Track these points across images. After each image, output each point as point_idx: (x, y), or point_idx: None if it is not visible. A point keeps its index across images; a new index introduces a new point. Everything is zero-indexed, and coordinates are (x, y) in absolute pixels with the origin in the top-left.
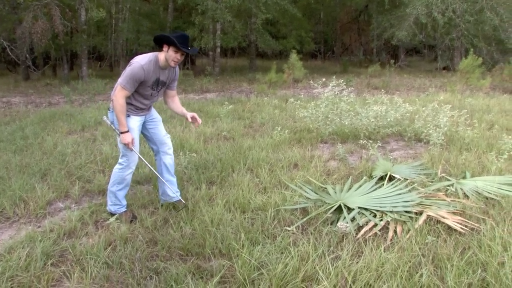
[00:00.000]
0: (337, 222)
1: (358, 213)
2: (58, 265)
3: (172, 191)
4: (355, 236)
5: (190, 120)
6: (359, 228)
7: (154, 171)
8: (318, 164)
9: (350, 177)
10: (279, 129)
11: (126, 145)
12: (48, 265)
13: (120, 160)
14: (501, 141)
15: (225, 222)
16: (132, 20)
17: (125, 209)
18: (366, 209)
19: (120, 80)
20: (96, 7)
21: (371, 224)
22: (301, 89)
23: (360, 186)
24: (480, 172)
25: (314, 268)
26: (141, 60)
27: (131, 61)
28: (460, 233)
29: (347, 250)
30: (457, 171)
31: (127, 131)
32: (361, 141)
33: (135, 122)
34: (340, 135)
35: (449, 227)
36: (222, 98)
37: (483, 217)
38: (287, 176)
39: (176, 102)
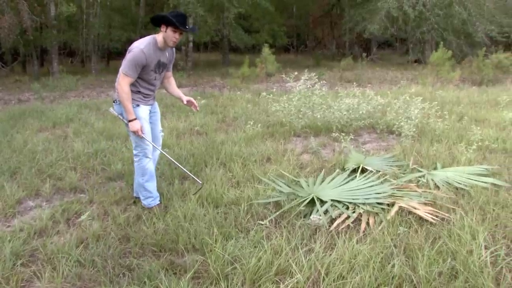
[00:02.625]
0: (310, 215)
1: (331, 205)
2: (28, 265)
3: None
4: (328, 229)
5: (185, 103)
6: (332, 220)
7: (172, 159)
8: (291, 158)
9: (323, 170)
10: (252, 123)
11: (135, 133)
12: (17, 266)
13: (134, 152)
14: (470, 132)
15: (198, 217)
16: (104, 15)
17: (159, 201)
18: (339, 201)
19: (121, 67)
20: (66, 1)
21: (344, 216)
22: (274, 83)
23: (333, 179)
24: (451, 163)
25: (288, 261)
26: (140, 45)
27: (130, 48)
28: (431, 223)
29: (320, 243)
30: (428, 162)
31: (135, 119)
32: (334, 134)
33: (144, 111)
34: (313, 129)
35: (421, 218)
36: (195, 93)
37: (453, 207)
38: (260, 170)
39: (172, 84)
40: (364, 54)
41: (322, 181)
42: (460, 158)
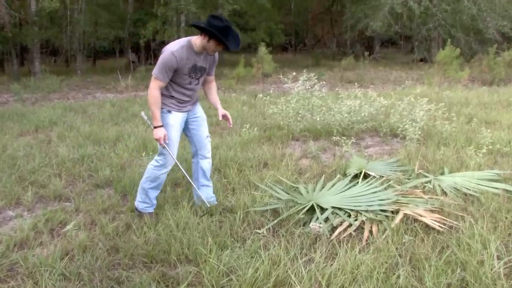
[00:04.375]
0: (309, 223)
1: (332, 213)
2: (6, 281)
3: (206, 197)
4: (329, 237)
5: (220, 118)
6: (333, 228)
7: (187, 177)
8: (290, 163)
9: (323, 175)
10: (248, 126)
11: (157, 140)
12: None
13: (156, 158)
14: (480, 135)
15: (192, 226)
16: (89, 12)
17: (153, 211)
18: (340, 208)
19: (153, 70)
20: None
21: (345, 224)
22: (271, 84)
23: (334, 184)
24: (459, 167)
25: (286, 272)
26: (172, 47)
27: (163, 49)
28: (438, 231)
29: (320, 252)
30: (435, 167)
31: (160, 126)
32: (334, 137)
33: (176, 118)
34: (312, 132)
35: (427, 226)
36: None
37: (462, 214)
38: (257, 176)
39: (212, 89)
40: (367, 53)
41: (322, 187)
42: (469, 163)
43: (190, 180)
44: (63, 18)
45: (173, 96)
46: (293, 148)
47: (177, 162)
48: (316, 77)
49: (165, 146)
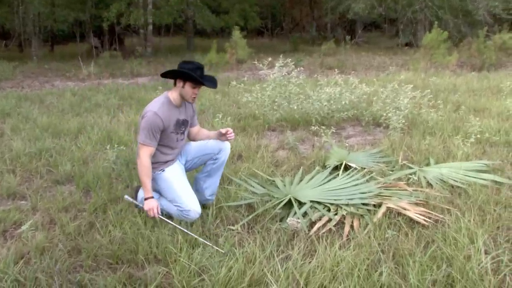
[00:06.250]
0: (287, 219)
1: (311, 207)
2: None
3: (210, 194)
4: (307, 233)
5: (224, 136)
6: (312, 224)
7: (195, 236)
8: (265, 155)
9: (301, 167)
10: (220, 116)
11: (148, 212)
12: None
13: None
14: (468, 123)
15: (161, 223)
16: None
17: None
18: (319, 202)
19: (138, 138)
20: None
21: (325, 219)
22: (245, 71)
23: (312, 177)
24: (445, 158)
25: (262, 270)
26: (153, 107)
27: (142, 113)
28: (423, 225)
29: (298, 249)
30: (420, 158)
31: (151, 197)
32: (313, 127)
33: (173, 169)
34: (290, 121)
35: (411, 220)
36: (156, 83)
37: (448, 207)
38: (230, 169)
39: (201, 134)
40: (348, 37)
41: (300, 180)
42: (456, 153)
43: (195, 236)
44: None
45: (158, 161)
46: (269, 139)
47: (181, 228)
48: (293, 63)
49: (160, 216)
